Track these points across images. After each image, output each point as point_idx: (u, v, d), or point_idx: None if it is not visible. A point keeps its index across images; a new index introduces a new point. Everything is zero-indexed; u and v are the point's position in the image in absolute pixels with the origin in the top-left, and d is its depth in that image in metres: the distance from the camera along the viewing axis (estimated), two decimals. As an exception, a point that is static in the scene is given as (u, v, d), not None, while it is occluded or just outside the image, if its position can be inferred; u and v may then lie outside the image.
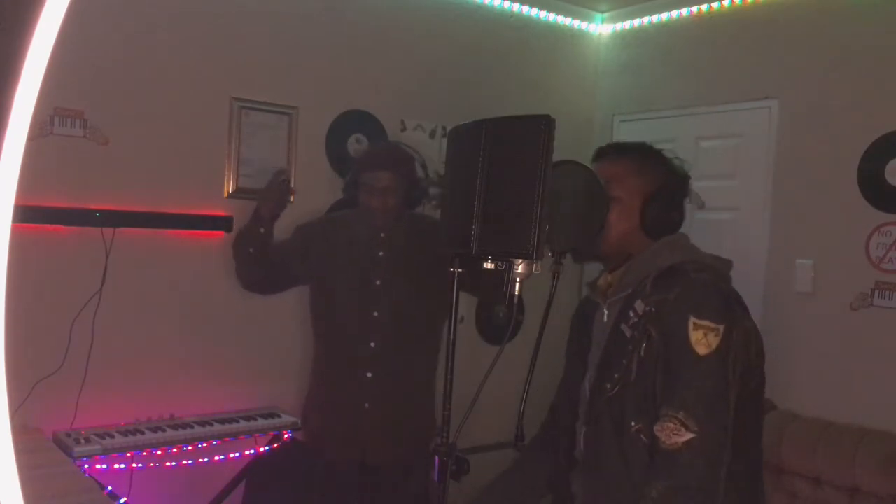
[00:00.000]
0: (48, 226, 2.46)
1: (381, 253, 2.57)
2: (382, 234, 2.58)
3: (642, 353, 1.49)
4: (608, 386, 1.55)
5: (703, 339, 1.43)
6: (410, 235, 2.58)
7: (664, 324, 1.47)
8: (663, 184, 1.62)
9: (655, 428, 1.44)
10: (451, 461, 1.48)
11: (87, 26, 2.33)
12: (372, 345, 2.54)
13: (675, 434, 1.40)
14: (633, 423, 1.51)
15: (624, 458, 1.53)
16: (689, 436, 1.39)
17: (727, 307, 1.48)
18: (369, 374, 2.53)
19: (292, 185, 2.80)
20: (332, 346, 2.65)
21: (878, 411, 2.71)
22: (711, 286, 1.49)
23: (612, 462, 1.55)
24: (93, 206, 2.54)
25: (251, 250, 2.64)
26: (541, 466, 1.83)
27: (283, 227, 2.72)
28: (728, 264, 1.62)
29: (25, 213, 2.34)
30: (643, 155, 1.68)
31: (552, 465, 1.80)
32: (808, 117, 3.03)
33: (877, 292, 2.77)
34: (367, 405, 2.52)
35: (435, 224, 2.70)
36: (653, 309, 1.49)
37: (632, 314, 1.54)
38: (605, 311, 1.65)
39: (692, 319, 1.44)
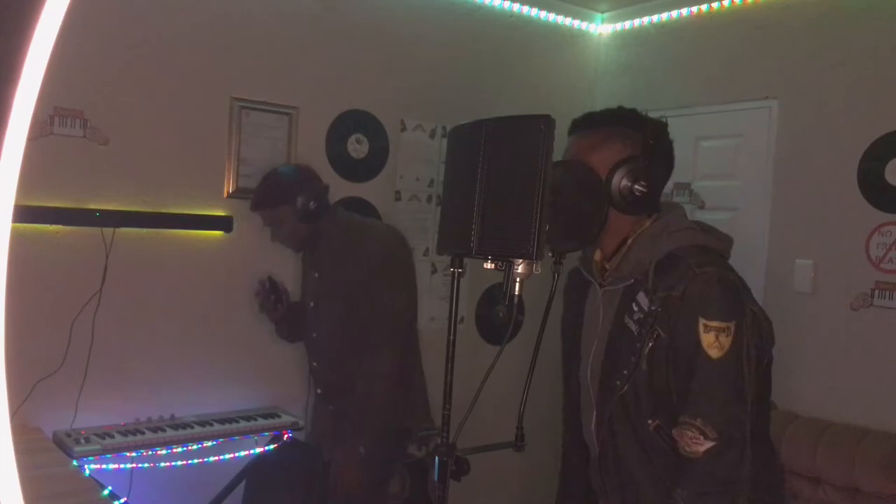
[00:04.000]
0: (48, 226, 2.46)
1: (315, 274, 2.61)
2: (313, 255, 2.63)
3: (647, 351, 1.46)
4: (618, 383, 1.51)
5: (714, 341, 1.38)
6: (338, 247, 2.51)
7: (672, 325, 1.43)
8: (630, 153, 1.51)
9: (674, 432, 1.42)
10: (451, 461, 1.48)
11: (87, 26, 2.34)
12: (314, 364, 2.67)
13: (694, 442, 1.38)
14: (649, 421, 1.48)
15: (645, 454, 1.51)
16: (708, 444, 1.36)
17: (736, 299, 1.42)
18: (319, 391, 2.69)
19: (278, 282, 2.74)
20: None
21: (878, 411, 2.71)
22: (716, 281, 1.42)
23: (632, 458, 1.53)
24: (93, 206, 2.54)
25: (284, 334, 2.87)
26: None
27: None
28: (728, 242, 1.55)
29: (25, 213, 2.34)
30: (612, 123, 1.58)
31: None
32: (808, 117, 3.03)
33: (877, 292, 2.77)
34: (320, 417, 2.70)
35: (365, 223, 2.71)
36: (658, 308, 1.45)
37: (635, 308, 1.49)
38: (601, 299, 1.59)
39: (702, 321, 1.38)
